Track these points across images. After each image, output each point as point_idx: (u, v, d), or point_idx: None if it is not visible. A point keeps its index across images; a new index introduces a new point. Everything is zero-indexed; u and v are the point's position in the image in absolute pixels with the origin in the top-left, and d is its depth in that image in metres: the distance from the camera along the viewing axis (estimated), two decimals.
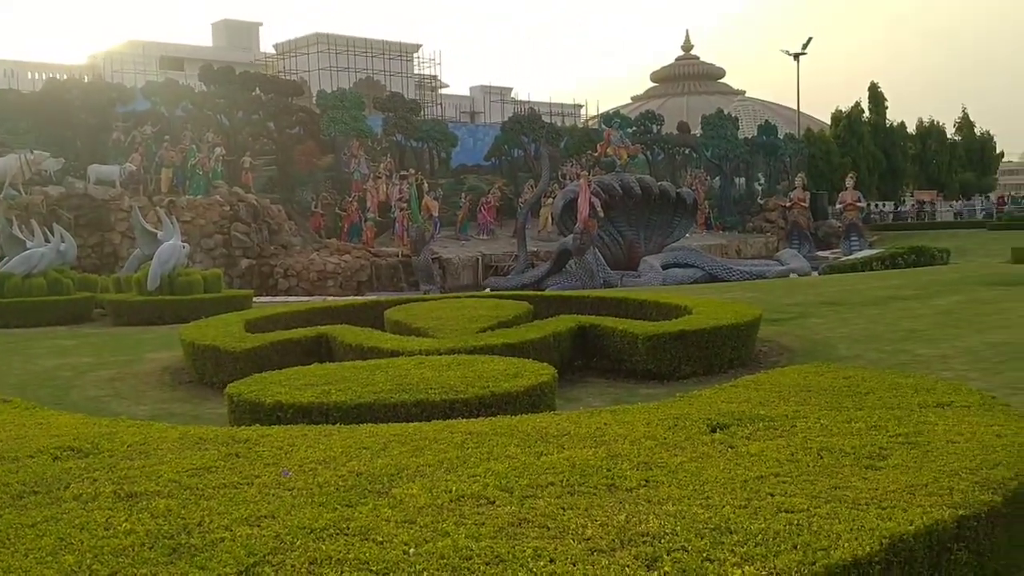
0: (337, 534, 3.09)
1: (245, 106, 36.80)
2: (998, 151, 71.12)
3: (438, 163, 42.58)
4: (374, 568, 2.79)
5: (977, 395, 5.08)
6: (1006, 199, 57.65)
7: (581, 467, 3.84)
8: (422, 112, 43.79)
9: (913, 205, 56.80)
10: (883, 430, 4.35)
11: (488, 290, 24.49)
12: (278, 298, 25.22)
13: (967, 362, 9.25)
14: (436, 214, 34.14)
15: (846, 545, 2.86)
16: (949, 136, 67.37)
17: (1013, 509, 3.47)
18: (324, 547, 2.96)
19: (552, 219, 35.97)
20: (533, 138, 43.40)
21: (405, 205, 34.78)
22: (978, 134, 68.68)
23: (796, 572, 2.68)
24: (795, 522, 3.09)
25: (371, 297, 18.71)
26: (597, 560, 2.80)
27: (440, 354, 7.76)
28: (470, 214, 39.26)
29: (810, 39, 58.73)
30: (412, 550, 2.92)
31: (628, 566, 2.74)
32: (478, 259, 35.01)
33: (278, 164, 37.33)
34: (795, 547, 2.86)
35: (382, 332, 10.05)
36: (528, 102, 56.19)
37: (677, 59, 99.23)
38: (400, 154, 40.54)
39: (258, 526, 3.20)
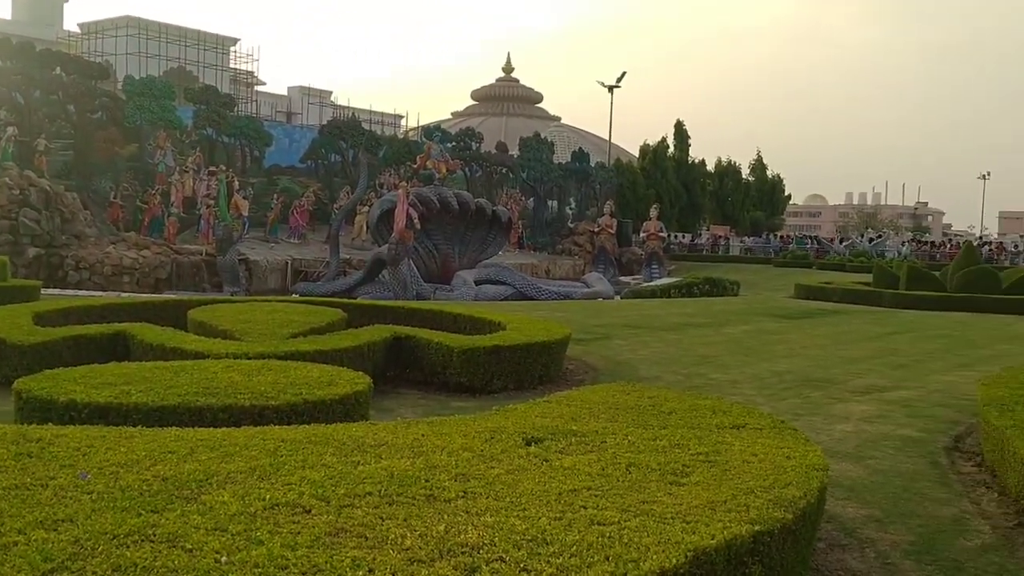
0: (142, 540, 2.93)
1: (43, 85, 34.38)
2: (786, 193, 76.50)
3: (250, 161, 41.29)
4: None
5: (768, 418, 5.44)
6: (790, 238, 62.05)
7: (399, 477, 3.82)
8: (236, 108, 42.35)
9: (709, 239, 60.14)
10: (685, 448, 4.57)
11: (297, 296, 23.92)
12: (68, 291, 23.59)
13: (755, 387, 9.89)
14: (245, 214, 33.06)
15: (654, 557, 2.98)
16: (744, 176, 71.84)
17: (801, 527, 3.75)
18: (128, 554, 2.79)
19: (367, 227, 35.65)
20: (352, 144, 42.84)
21: (212, 202, 33.48)
22: (769, 176, 73.61)
23: None
24: (607, 534, 3.19)
25: (173, 295, 17.86)
26: (417, 570, 2.79)
27: (249, 358, 7.50)
28: (281, 216, 38.25)
29: (624, 73, 61.29)
30: (224, 558, 2.81)
31: None
32: (287, 263, 34.15)
33: (76, 149, 35.06)
34: (607, 558, 2.96)
35: (185, 333, 9.62)
36: (348, 107, 55.51)
37: (498, 80, 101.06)
38: (210, 149, 39.03)
39: (55, 530, 2.98)
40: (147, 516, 3.17)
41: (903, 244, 53.83)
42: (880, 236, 58.37)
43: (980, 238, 73.26)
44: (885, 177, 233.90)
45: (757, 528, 3.37)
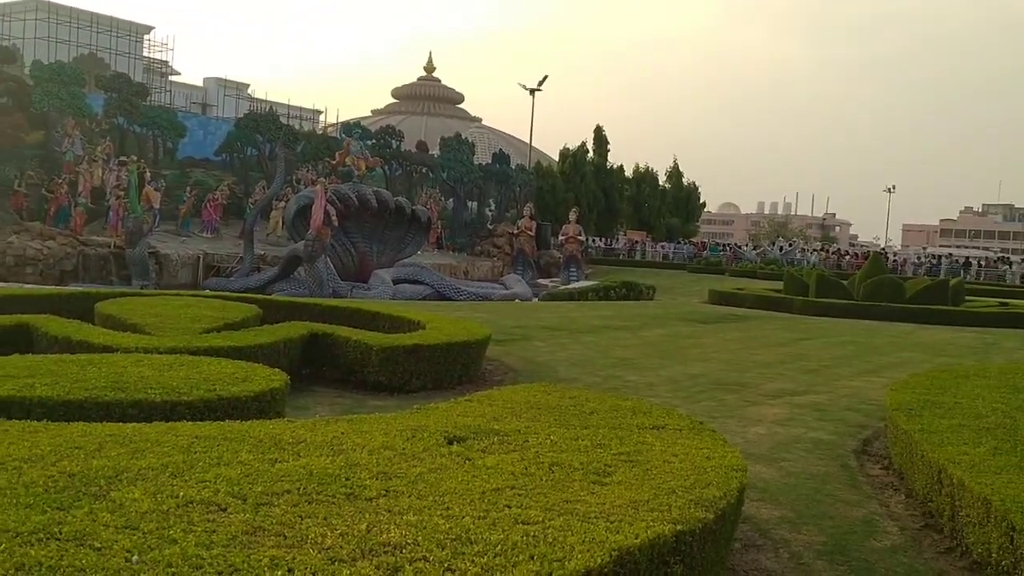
0: (48, 538, 2.78)
1: None
2: (701, 201, 77.94)
3: (163, 153, 40.18)
4: None
5: (687, 419, 5.49)
6: (705, 245, 63.21)
7: (319, 475, 3.72)
8: (149, 97, 41.18)
9: (626, 243, 60.86)
10: (607, 448, 4.58)
11: (209, 291, 23.36)
12: None
13: (671, 390, 10.02)
14: (157, 206, 32.19)
15: (579, 556, 2.96)
16: (661, 183, 72.93)
17: (721, 526, 3.78)
18: (33, 552, 2.64)
19: (283, 223, 35.03)
20: (269, 138, 42.03)
21: (122, 193, 32.47)
22: (685, 184, 74.88)
23: None
24: (531, 533, 3.16)
25: (80, 288, 17.24)
26: (338, 570, 2.72)
27: (160, 353, 7.28)
28: (194, 210, 37.34)
29: (545, 77, 61.61)
30: (135, 557, 2.69)
31: None
32: (200, 258, 33.33)
33: None
34: (532, 557, 2.92)
35: (92, 326, 9.28)
36: (266, 101, 54.54)
37: (419, 79, 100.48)
38: (121, 138, 37.86)
39: None
40: (53, 513, 3.02)
41: (812, 252, 55.35)
42: (791, 245, 59.93)
43: (884, 249, 75.86)
44: (796, 188, 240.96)
45: (679, 528, 3.38)
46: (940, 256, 54.18)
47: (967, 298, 26.42)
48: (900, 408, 6.66)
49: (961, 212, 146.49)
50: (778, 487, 6.16)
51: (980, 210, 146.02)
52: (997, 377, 8.34)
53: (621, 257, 56.33)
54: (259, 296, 14.41)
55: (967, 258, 55.83)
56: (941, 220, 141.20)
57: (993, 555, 4.39)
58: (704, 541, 3.55)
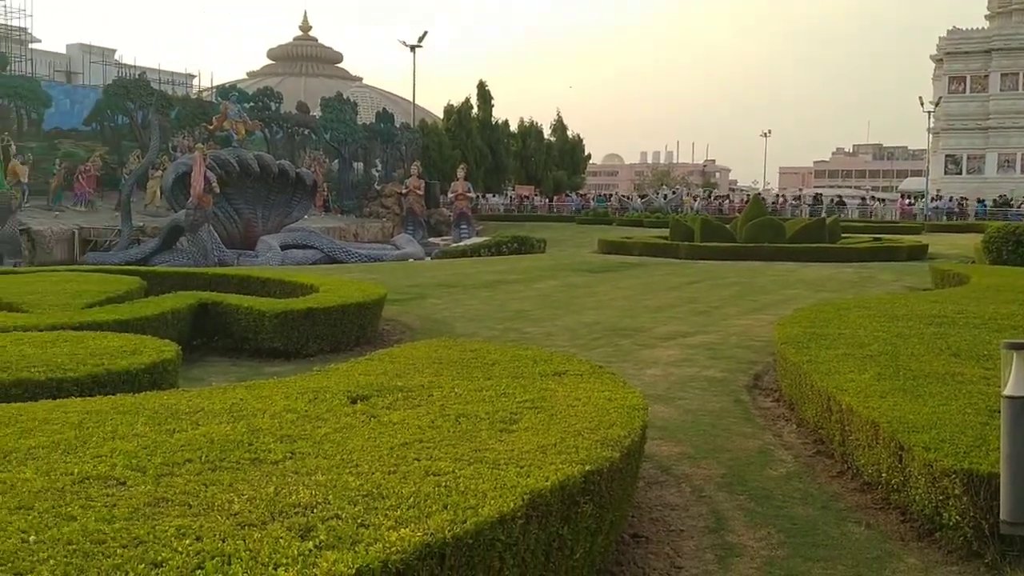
0: None
1: None
2: (586, 153, 78.60)
3: (27, 124, 38.04)
4: None
5: (587, 364, 5.58)
6: (592, 197, 63.87)
7: (220, 443, 3.63)
8: (8, 67, 38.87)
9: (514, 199, 60.96)
10: (511, 397, 4.61)
11: (88, 265, 22.41)
12: None
13: (567, 339, 10.16)
14: (25, 180, 30.60)
15: (492, 502, 2.98)
16: (546, 137, 73.14)
17: (627, 464, 3.87)
18: None
19: (161, 193, 33.79)
20: (140, 105, 40.27)
21: None
22: (570, 136, 75.29)
23: (448, 531, 2.74)
24: (443, 484, 3.17)
25: None
26: (248, 534, 2.66)
27: (40, 330, 6.96)
28: (65, 183, 35.63)
29: (425, 33, 60.78)
30: (32, 537, 2.57)
31: (282, 538, 2.64)
32: (75, 232, 31.89)
33: None
34: (446, 507, 2.93)
35: None
36: (135, 67, 52.14)
37: (295, 39, 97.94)
38: None
39: None
40: None
41: (695, 199, 56.60)
42: (674, 192, 61.18)
43: (761, 193, 78.16)
44: (676, 137, 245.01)
45: (587, 468, 3.44)
46: (819, 196, 56.13)
47: (843, 235, 27.53)
48: (788, 342, 6.91)
49: (833, 153, 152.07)
50: (676, 425, 6.34)
51: (851, 151, 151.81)
52: (876, 308, 8.75)
53: (512, 212, 56.32)
54: (142, 268, 13.91)
55: (841, 196, 58.07)
56: (815, 162, 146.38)
57: (883, 475, 4.63)
58: (611, 479, 3.62)
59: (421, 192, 46.49)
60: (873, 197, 63.25)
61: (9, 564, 2.39)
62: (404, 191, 46.96)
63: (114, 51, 63.54)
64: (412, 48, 59.19)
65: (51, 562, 2.41)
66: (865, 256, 22.64)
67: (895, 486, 4.51)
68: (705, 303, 13.43)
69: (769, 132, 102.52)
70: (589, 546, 3.53)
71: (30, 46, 53.42)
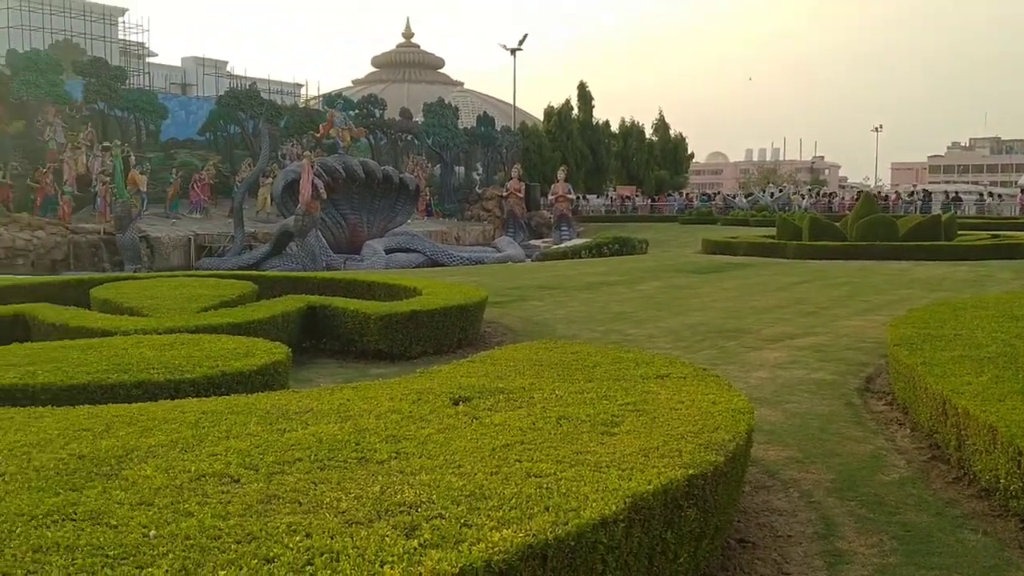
0: (63, 520, 2.79)
1: None
2: (689, 152, 77.57)
3: (146, 136, 39.83)
4: (110, 553, 2.53)
5: (691, 367, 5.51)
6: (695, 196, 62.99)
7: (328, 442, 3.73)
8: (128, 80, 40.74)
9: (615, 199, 60.65)
10: (613, 399, 4.59)
11: (203, 270, 23.29)
12: None
13: (670, 341, 10.04)
14: (144, 189, 32.01)
15: (594, 505, 2.98)
16: (648, 136, 72.48)
17: (732, 468, 3.80)
18: (49, 534, 2.65)
19: (271, 200, 34.88)
20: (251, 115, 41.68)
21: (108, 179, 32.27)
22: (672, 135, 74.42)
23: (550, 532, 2.75)
24: (544, 486, 3.18)
25: (73, 275, 17.17)
26: (355, 531, 2.73)
27: (159, 334, 7.26)
28: (182, 191, 37.16)
29: (526, 35, 61.17)
30: (152, 532, 2.69)
31: (387, 536, 2.69)
32: (190, 239, 33.21)
33: None
34: (547, 509, 2.94)
35: (89, 311, 9.26)
36: (246, 77, 53.97)
37: (398, 46, 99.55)
38: (103, 124, 37.48)
39: None
40: (66, 495, 3.02)
41: (803, 197, 55.22)
42: (781, 190, 59.80)
43: (878, 189, 75.75)
44: (783, 134, 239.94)
45: (691, 472, 3.39)
46: (931, 192, 54.05)
47: (959, 232, 26.46)
48: (901, 343, 6.68)
49: (949, 148, 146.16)
50: (784, 428, 6.19)
51: (967, 144, 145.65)
52: (994, 307, 8.37)
53: (616, 214, 55.99)
54: (254, 272, 14.38)
55: (957, 192, 55.78)
56: (929, 157, 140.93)
57: (1001, 481, 4.43)
58: (716, 484, 3.57)
59: (522, 195, 46.71)
60: (991, 192, 60.52)
61: (131, 558, 2.51)
62: (505, 194, 47.27)
63: (226, 63, 65.87)
64: (512, 51, 59.56)
65: (170, 556, 2.51)
66: (982, 254, 21.72)
67: (1014, 492, 4.31)
68: (814, 304, 13.09)
69: (880, 127, 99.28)
70: (693, 551, 3.48)
71: (147, 60, 55.87)
